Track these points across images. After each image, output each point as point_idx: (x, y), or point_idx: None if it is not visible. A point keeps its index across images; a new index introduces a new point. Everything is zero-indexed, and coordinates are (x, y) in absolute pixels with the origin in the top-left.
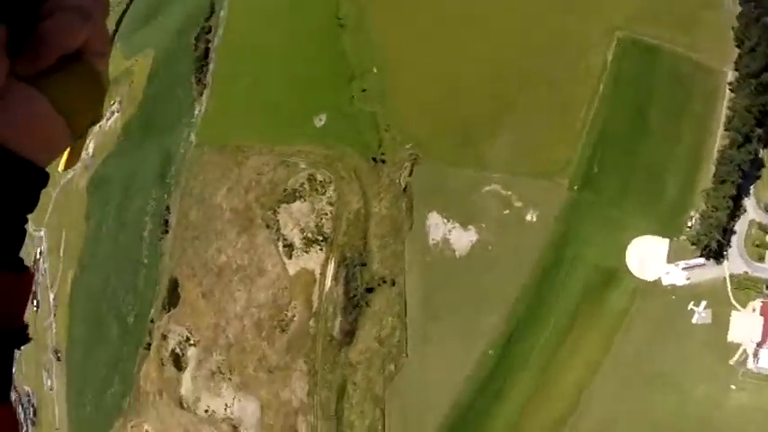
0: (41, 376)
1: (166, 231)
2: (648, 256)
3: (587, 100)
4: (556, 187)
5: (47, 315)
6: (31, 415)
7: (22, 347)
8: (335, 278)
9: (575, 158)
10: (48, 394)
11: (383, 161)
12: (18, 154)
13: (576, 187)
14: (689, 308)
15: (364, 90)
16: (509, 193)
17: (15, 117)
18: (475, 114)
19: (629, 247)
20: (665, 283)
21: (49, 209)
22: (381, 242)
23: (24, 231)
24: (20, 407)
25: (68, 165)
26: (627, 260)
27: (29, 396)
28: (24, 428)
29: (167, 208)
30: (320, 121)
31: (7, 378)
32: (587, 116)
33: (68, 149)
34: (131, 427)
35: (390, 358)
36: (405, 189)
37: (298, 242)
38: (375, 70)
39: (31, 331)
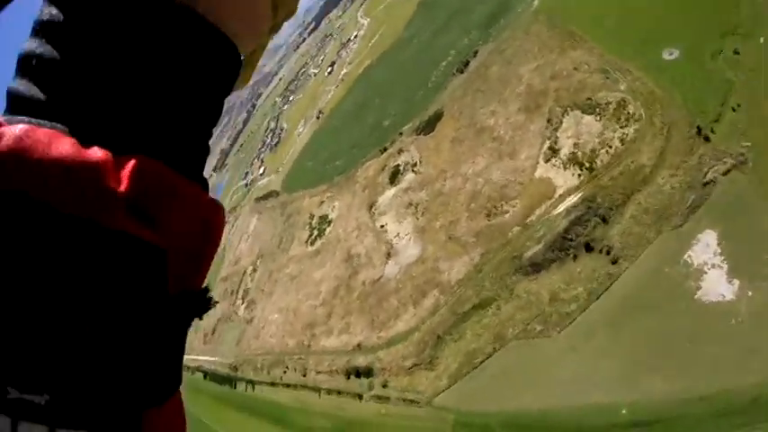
0: (300, 122)
1: (461, 71)
2: None
3: None
4: None
5: (332, 84)
6: (274, 144)
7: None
8: (569, 210)
9: None
10: (294, 136)
11: (707, 138)
12: (221, 29)
13: None
14: None
15: (737, 53)
16: None
17: None
18: None
19: None
20: None
21: (382, 5)
22: (638, 216)
23: (209, 138)
24: (271, 133)
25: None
26: None
27: (281, 130)
28: (265, 150)
29: (475, 53)
30: (670, 55)
31: (179, 358)
32: None
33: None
34: (327, 196)
35: (544, 321)
36: (705, 184)
37: (564, 154)
38: (761, 40)
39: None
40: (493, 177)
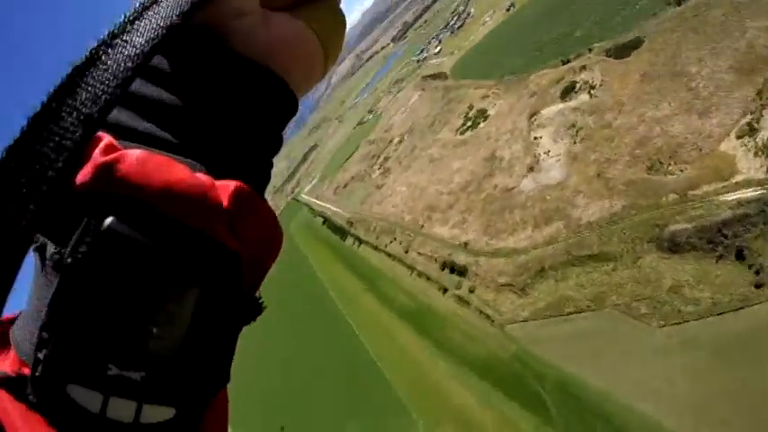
0: (488, 12)
1: (678, 3)
2: None
3: None
4: None
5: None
6: (456, 27)
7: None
8: (740, 203)
9: None
10: (479, 24)
11: None
12: (277, 73)
13: None
14: None
15: None
16: None
17: (276, 34)
18: None
19: None
20: None
21: None
22: None
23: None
24: (456, 17)
25: None
26: None
27: (467, 15)
28: (446, 32)
29: None
30: None
31: (230, 356)
32: None
33: None
34: (492, 92)
35: (653, 306)
36: None
37: (761, 137)
38: None
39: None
40: (672, 130)
